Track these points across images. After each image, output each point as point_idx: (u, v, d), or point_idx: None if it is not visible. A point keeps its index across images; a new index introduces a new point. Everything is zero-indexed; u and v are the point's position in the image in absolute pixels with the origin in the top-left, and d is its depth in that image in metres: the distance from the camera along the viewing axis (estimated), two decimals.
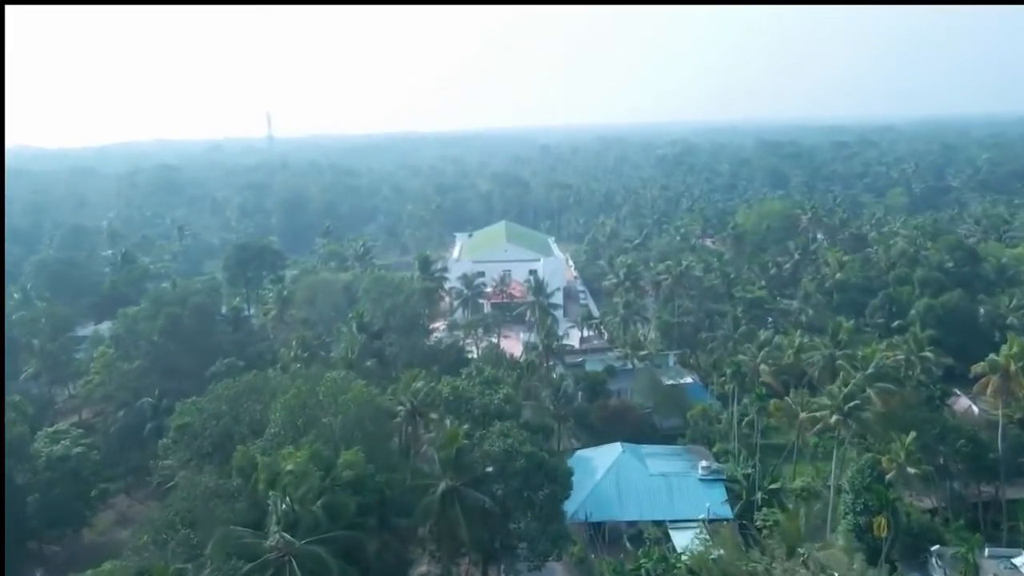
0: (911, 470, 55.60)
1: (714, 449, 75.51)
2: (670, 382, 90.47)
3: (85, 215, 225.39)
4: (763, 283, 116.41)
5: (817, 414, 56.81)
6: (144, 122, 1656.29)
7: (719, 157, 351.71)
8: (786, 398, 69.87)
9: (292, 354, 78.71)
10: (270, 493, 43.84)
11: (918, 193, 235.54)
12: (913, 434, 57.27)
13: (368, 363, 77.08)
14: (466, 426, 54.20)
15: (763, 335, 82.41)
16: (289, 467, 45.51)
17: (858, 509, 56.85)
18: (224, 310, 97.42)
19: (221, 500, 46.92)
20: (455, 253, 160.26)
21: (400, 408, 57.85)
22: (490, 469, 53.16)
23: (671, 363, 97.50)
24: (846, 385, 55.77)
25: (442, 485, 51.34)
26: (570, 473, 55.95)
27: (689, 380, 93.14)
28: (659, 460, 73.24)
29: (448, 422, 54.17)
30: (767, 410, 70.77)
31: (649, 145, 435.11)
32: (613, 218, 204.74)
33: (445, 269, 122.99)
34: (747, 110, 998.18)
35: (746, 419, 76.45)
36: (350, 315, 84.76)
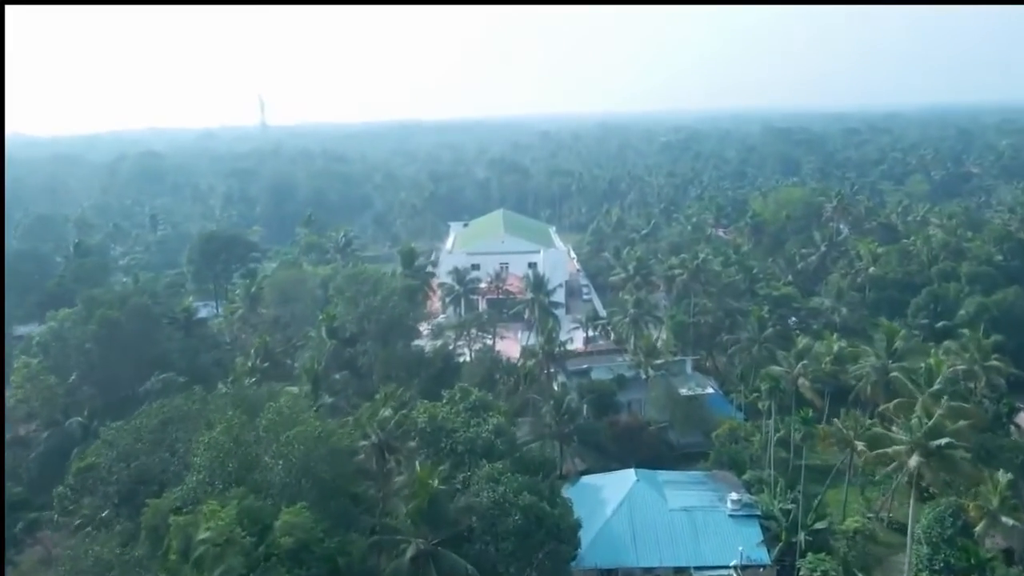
0: (1007, 520, 43.91)
1: (744, 476, 63.95)
2: (689, 393, 79.05)
3: (62, 204, 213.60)
4: (789, 278, 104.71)
5: (890, 451, 44.89)
6: (137, 110, 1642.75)
7: (725, 144, 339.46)
8: (836, 421, 58.18)
9: (250, 364, 67.37)
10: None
11: (938, 180, 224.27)
12: (1009, 475, 45.54)
13: (338, 375, 66.10)
14: (443, 467, 42.72)
15: (801, 342, 70.68)
16: (206, 534, 34.31)
17: (936, 567, 45.86)
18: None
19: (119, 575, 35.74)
20: (448, 244, 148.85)
21: (364, 443, 46.17)
22: (475, 519, 41.93)
23: (688, 370, 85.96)
24: (929, 417, 43.72)
25: (412, 546, 40.08)
26: (578, 526, 44.60)
27: (710, 390, 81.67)
28: (680, 490, 61.83)
29: (418, 463, 42.50)
30: (814, 436, 58.95)
31: (652, 132, 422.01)
32: (618, 206, 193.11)
33: (435, 263, 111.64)
34: (748, 99, 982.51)
35: (777, 435, 65.35)
36: (320, 318, 73.36)
